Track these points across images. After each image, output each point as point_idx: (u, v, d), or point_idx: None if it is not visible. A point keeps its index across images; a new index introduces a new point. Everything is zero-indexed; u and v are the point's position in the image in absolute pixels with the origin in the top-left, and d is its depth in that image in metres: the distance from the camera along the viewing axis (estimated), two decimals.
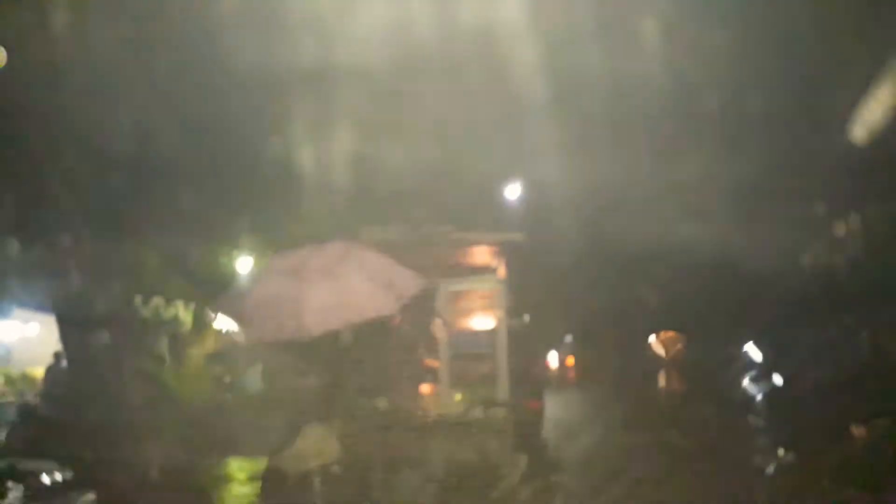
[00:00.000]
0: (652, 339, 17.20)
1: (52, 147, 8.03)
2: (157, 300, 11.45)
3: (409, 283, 5.48)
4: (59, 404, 7.72)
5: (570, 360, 18.31)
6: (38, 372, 8.97)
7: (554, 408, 8.74)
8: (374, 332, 5.67)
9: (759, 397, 10.98)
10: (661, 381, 15.31)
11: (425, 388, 6.98)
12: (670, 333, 16.91)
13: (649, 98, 8.50)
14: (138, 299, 11.03)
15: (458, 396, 6.78)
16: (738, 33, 7.56)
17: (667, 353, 16.95)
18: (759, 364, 12.04)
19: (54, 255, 9.30)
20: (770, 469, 6.18)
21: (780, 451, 6.49)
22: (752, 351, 12.54)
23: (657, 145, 9.91)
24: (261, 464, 5.66)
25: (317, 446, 5.02)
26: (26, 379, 9.43)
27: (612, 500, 5.73)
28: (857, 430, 5.91)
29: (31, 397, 8.65)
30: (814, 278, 11.92)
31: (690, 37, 7.42)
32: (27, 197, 8.56)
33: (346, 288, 5.23)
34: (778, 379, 10.92)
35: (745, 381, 11.60)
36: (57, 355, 8.75)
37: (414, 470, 5.64)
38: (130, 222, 9.45)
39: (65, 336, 9.00)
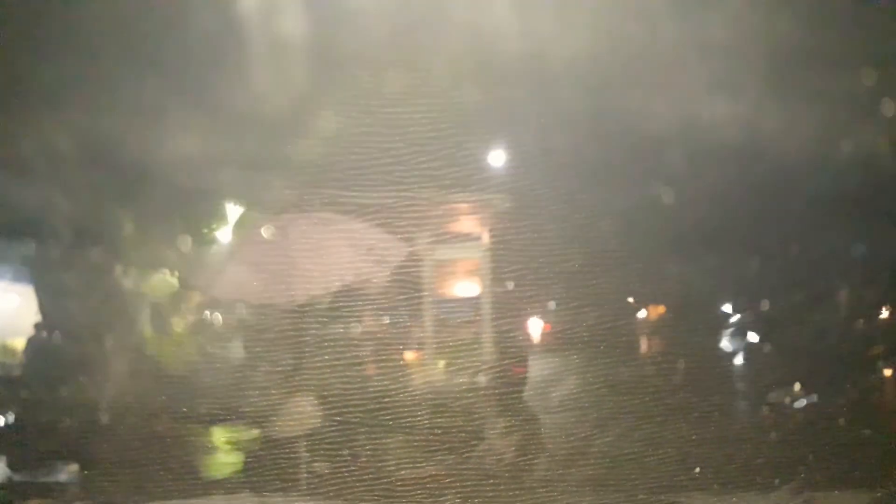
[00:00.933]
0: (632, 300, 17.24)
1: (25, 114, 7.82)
2: (139, 269, 11.36)
3: (390, 248, 5.50)
4: (42, 375, 7.69)
5: (551, 326, 18.44)
6: (20, 343, 8.89)
7: (537, 373, 8.81)
8: (353, 297, 5.68)
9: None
10: (644, 345, 15.46)
11: (409, 356, 7.01)
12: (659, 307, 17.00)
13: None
14: (120, 268, 10.93)
15: (442, 363, 6.83)
16: None
17: (649, 315, 17.09)
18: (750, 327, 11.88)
19: (31, 223, 9.15)
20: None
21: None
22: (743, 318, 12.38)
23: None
24: (246, 432, 5.69)
25: (302, 413, 5.06)
26: (7, 350, 9.34)
27: (599, 456, 5.82)
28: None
29: (13, 369, 8.59)
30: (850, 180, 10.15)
31: None
32: None
33: (327, 254, 5.23)
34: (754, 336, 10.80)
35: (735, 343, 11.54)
36: (37, 326, 8.66)
37: (399, 435, 5.71)
38: (111, 189, 9.29)
39: (44, 307, 8.90)
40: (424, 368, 6.71)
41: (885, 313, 7.75)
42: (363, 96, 8.01)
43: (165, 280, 11.10)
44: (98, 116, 7.90)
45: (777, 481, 5.67)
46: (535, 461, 6.14)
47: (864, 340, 7.97)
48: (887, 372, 6.81)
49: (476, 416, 6.12)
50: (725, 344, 12.09)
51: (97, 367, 6.03)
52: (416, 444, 5.70)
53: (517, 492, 5.63)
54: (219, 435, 5.85)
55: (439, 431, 5.78)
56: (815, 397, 6.74)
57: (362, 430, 5.56)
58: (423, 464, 5.62)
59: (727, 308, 13.12)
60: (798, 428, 6.37)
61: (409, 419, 5.85)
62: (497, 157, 9.93)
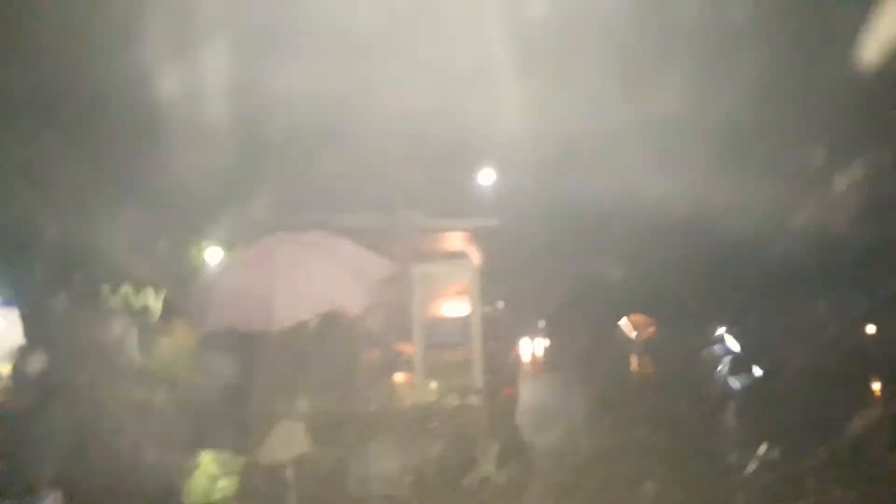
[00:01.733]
0: (623, 321, 17.21)
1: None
2: (125, 290, 11.24)
3: (380, 270, 5.47)
4: (27, 399, 7.56)
5: (543, 346, 18.43)
6: (4, 368, 8.76)
7: (527, 394, 8.80)
8: (345, 321, 5.65)
9: (737, 388, 10.88)
10: (633, 364, 15.43)
11: (399, 378, 6.98)
12: (640, 316, 16.94)
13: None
14: (106, 289, 10.82)
15: (432, 385, 6.81)
16: None
17: (638, 335, 17.03)
18: (736, 353, 11.85)
19: (17, 246, 9.06)
20: (751, 466, 6.12)
21: (761, 448, 6.30)
22: (729, 338, 12.38)
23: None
24: (234, 457, 5.61)
25: (289, 438, 5.00)
26: None
27: (587, 483, 5.80)
28: (855, 424, 5.86)
29: None
30: (805, 245, 10.41)
31: None
32: None
33: (315, 276, 5.20)
34: (757, 370, 10.68)
35: (723, 370, 11.49)
36: (22, 350, 8.54)
37: (389, 460, 5.66)
38: (97, 210, 9.23)
39: (30, 330, 8.79)
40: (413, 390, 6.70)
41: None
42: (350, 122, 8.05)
43: (150, 303, 10.97)
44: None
45: None
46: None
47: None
48: None
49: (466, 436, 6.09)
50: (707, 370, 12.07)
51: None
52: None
53: None
54: (205, 461, 5.77)
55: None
56: None
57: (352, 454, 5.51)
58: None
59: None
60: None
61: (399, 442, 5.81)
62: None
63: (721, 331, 12.67)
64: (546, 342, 18.78)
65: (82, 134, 8.04)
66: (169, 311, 11.59)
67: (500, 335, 7.98)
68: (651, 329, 16.67)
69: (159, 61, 6.77)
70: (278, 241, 5.49)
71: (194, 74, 7.14)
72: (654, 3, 7.31)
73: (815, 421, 6.51)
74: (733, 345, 12.10)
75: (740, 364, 11.18)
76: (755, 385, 10.30)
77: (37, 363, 7.24)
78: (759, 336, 11.89)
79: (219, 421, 5.85)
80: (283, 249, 5.33)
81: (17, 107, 7.34)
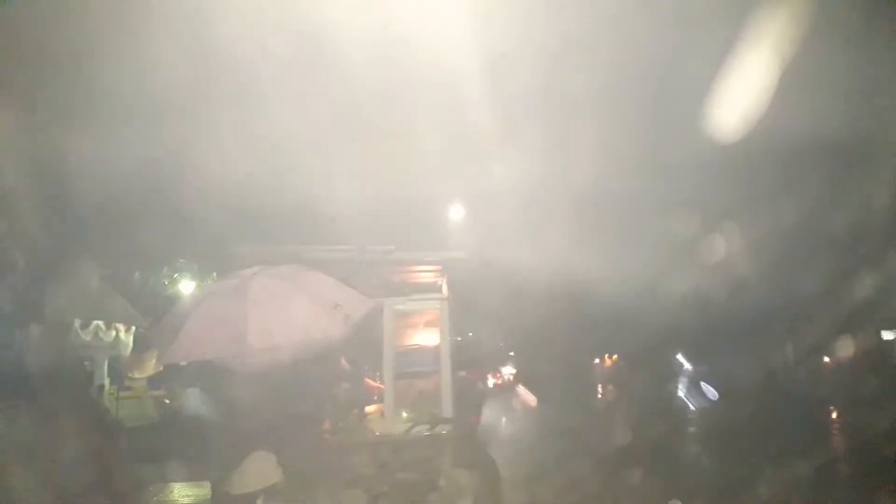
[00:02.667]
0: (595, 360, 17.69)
1: None
2: (96, 323, 11.19)
3: (356, 304, 5.57)
4: None
5: (512, 376, 18.64)
6: None
7: (499, 422, 8.95)
8: (317, 352, 5.73)
9: (692, 407, 11.42)
10: (600, 392, 15.80)
11: (370, 408, 7.07)
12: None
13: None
14: (77, 323, 10.77)
15: (403, 414, 6.89)
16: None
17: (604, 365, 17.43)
18: (690, 373, 12.49)
19: None
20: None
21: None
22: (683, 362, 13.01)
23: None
24: (204, 488, 5.65)
25: (261, 468, 5.05)
26: None
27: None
28: None
29: None
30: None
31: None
32: None
33: (288, 308, 5.29)
34: (711, 392, 11.38)
35: (680, 391, 12.02)
36: None
37: (359, 489, 5.72)
38: (69, 245, 9.26)
39: None
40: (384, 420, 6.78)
41: None
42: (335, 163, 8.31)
43: (122, 337, 10.91)
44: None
45: None
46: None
47: None
48: None
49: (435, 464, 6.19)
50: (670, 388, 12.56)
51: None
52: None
53: None
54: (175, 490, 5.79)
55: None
56: None
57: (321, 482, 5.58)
58: None
59: None
60: None
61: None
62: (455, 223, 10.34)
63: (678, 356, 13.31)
64: (514, 371, 18.96)
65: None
66: (140, 344, 11.58)
67: (469, 365, 8.11)
68: (615, 359, 17.12)
69: None
70: (252, 273, 5.58)
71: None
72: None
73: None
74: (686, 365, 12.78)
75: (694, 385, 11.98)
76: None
77: (8, 394, 7.18)
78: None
79: (190, 450, 5.89)
80: (256, 282, 5.41)
81: None
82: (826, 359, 12.99)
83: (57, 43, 6.24)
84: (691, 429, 10.62)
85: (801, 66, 7.48)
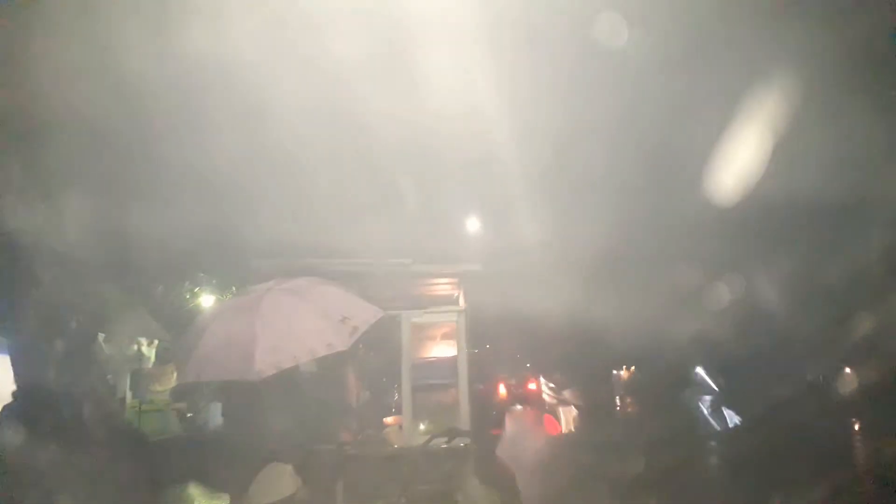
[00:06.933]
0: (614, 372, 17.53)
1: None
2: (119, 337, 11.31)
3: (364, 315, 5.57)
4: (17, 444, 7.55)
5: (530, 388, 18.48)
6: None
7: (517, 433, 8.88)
8: (334, 365, 5.74)
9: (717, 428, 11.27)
10: (619, 404, 15.65)
11: (388, 420, 7.06)
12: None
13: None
14: (100, 336, 10.90)
15: (421, 427, 6.88)
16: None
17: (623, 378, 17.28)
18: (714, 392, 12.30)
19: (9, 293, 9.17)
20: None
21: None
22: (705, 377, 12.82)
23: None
24: (223, 500, 5.66)
25: (277, 480, 5.07)
26: None
27: None
28: None
29: None
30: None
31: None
32: None
33: (296, 325, 5.30)
34: (734, 417, 11.31)
35: (704, 410, 11.83)
36: (14, 395, 8.55)
37: (377, 502, 5.71)
38: (91, 257, 9.39)
39: (21, 375, 8.83)
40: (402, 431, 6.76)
41: None
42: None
43: (145, 350, 11.00)
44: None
45: None
46: None
47: None
48: None
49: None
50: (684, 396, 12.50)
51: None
52: None
53: None
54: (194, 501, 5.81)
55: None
56: None
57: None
58: None
59: None
60: None
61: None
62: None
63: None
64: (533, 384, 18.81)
65: None
66: (161, 357, 11.69)
67: (487, 377, 8.08)
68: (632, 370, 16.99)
69: None
70: (266, 289, 5.61)
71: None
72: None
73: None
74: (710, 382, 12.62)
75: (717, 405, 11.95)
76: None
77: (30, 407, 7.26)
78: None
79: (208, 461, 5.91)
80: (267, 299, 5.44)
81: None
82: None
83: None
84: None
85: (792, 136, 8.63)
